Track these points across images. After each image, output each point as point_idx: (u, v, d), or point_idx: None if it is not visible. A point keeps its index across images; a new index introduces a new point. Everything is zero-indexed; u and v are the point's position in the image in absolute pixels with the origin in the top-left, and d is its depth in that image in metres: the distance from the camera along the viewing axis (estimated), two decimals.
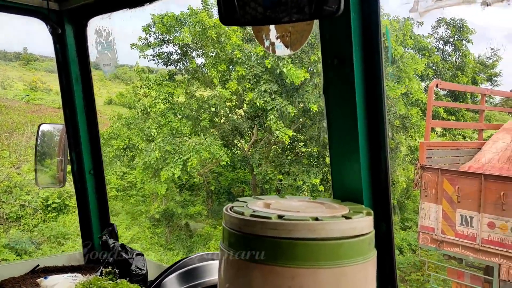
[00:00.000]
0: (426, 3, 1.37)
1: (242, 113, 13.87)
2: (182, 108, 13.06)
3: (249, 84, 12.27)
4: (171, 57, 13.56)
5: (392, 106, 12.42)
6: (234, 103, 13.65)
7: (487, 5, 1.28)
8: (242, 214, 1.37)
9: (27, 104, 20.40)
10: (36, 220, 13.13)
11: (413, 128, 13.64)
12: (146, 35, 13.11)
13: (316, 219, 1.17)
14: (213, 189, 14.19)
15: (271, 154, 13.15)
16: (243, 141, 14.23)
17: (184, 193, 13.73)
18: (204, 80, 13.43)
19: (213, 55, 12.86)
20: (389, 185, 1.64)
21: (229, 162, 12.77)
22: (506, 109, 15.65)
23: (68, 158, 2.82)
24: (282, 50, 1.67)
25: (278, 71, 11.74)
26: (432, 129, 11.86)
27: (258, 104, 12.18)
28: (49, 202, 13.83)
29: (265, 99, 12.01)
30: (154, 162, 11.92)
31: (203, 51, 13.08)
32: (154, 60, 13.39)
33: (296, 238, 1.15)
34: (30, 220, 12.99)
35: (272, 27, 1.64)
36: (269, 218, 1.26)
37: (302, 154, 13.29)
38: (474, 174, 8.17)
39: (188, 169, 11.75)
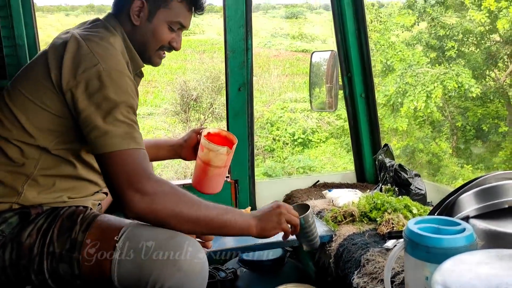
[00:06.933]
0: None
1: (497, 38, 11.99)
2: (422, 38, 12.17)
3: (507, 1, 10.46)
4: None
5: None
6: (487, 28, 11.92)
7: None
8: None
9: (269, 50, 22.34)
10: (286, 153, 14.63)
11: None
12: None
13: None
14: (459, 125, 13.03)
15: None
16: (497, 70, 12.41)
17: (426, 129, 12.99)
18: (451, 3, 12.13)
19: None
20: None
21: (479, 94, 11.42)
22: None
23: (340, 83, 2.94)
24: None
25: None
26: None
27: None
28: (295, 137, 15.15)
29: None
30: (393, 96, 11.60)
31: None
32: None
33: None
34: (281, 153, 14.57)
35: None
36: None
37: None
38: None
39: (433, 100, 11.03)
